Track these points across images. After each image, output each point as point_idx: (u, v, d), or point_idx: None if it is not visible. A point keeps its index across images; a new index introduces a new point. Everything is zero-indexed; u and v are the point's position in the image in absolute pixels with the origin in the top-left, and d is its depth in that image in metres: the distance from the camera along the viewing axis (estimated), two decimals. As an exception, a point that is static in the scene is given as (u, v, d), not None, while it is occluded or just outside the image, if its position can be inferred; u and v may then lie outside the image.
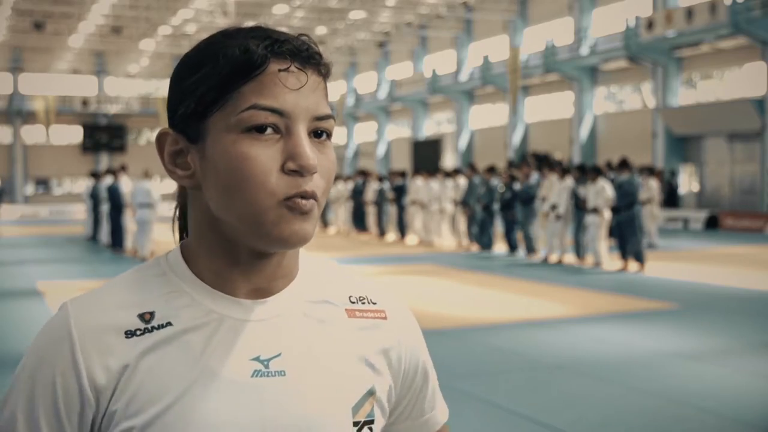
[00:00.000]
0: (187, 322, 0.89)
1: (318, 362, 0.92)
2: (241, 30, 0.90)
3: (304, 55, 0.88)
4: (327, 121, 0.89)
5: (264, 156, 0.85)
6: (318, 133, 0.89)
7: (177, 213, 1.01)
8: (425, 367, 1.03)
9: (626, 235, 12.58)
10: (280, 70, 0.86)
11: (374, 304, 0.99)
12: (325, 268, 1.00)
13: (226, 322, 0.90)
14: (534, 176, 15.35)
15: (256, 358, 0.89)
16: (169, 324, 0.89)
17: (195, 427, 0.85)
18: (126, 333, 0.88)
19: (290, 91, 0.86)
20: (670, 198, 26.17)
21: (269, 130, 0.86)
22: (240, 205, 0.86)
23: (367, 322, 0.97)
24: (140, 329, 0.88)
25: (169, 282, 0.92)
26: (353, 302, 0.98)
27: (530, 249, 14.69)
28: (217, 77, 0.86)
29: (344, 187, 21.98)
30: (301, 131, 0.87)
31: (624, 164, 12.83)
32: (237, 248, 0.90)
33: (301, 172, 0.85)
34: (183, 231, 1.00)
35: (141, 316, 0.89)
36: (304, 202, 0.86)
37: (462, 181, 17.17)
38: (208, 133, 0.87)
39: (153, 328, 0.88)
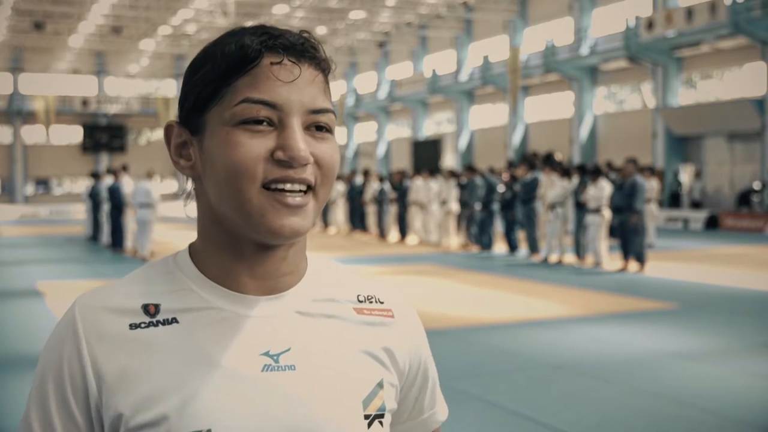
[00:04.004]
0: (194, 320, 0.90)
1: (327, 356, 0.92)
2: (244, 29, 0.91)
3: (299, 48, 0.89)
4: (325, 115, 0.90)
5: (254, 144, 0.86)
6: (319, 127, 0.89)
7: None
8: (426, 365, 1.04)
9: (628, 236, 12.55)
10: (272, 64, 0.87)
11: (381, 303, 1.00)
12: (331, 269, 1.01)
13: (233, 318, 0.90)
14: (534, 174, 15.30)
15: (266, 353, 0.89)
16: (174, 320, 0.89)
17: (207, 422, 0.85)
18: (130, 325, 0.89)
19: (283, 84, 0.87)
20: (674, 198, 26.18)
21: (263, 124, 0.87)
22: (231, 194, 0.87)
23: (374, 319, 0.98)
24: (144, 322, 0.89)
25: (175, 279, 0.93)
26: (361, 301, 0.99)
27: (533, 249, 14.69)
28: (215, 73, 0.89)
29: (344, 188, 21.96)
30: (295, 124, 0.87)
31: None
32: (240, 242, 0.90)
33: (290, 162, 0.86)
34: None
35: (146, 308, 0.90)
36: (290, 199, 0.86)
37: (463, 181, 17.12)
38: (206, 126, 0.89)
39: (158, 322, 0.89)
